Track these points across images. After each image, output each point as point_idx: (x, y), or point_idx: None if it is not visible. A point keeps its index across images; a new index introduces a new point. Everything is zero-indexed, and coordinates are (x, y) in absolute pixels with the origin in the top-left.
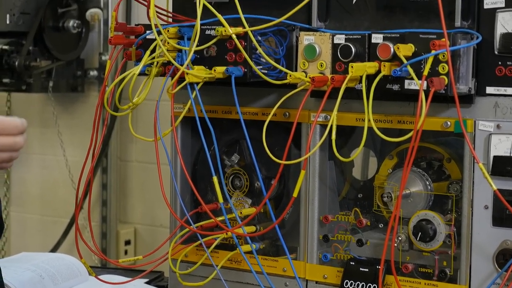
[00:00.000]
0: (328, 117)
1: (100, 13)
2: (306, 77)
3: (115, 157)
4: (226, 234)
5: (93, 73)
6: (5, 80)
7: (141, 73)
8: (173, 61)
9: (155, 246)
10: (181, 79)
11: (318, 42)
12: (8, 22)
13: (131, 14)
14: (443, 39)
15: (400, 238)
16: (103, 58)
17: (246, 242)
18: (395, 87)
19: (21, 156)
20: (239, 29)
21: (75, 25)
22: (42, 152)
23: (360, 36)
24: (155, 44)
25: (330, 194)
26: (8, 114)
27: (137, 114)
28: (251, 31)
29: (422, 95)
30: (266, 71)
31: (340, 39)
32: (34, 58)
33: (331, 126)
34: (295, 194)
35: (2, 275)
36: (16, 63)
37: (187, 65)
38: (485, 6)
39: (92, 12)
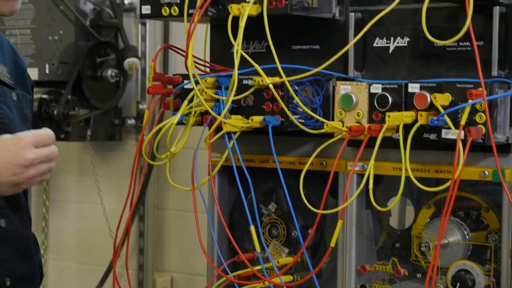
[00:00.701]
0: (365, 166)
1: (138, 63)
2: (343, 126)
3: (152, 205)
4: (264, 283)
5: (131, 121)
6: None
7: (179, 123)
8: (210, 111)
9: None
10: (219, 128)
11: (355, 92)
12: (47, 71)
13: (168, 64)
14: (480, 89)
15: None
16: (141, 106)
17: None
18: (432, 136)
19: (59, 204)
20: (276, 79)
21: (113, 74)
22: (79, 200)
23: (396, 86)
24: (192, 93)
25: (367, 244)
26: None
27: (174, 162)
28: (288, 81)
29: (460, 145)
30: (303, 121)
31: (376, 88)
32: (73, 107)
33: (368, 175)
34: (332, 244)
35: None
36: (55, 112)
37: (225, 114)
38: None
39: (130, 61)
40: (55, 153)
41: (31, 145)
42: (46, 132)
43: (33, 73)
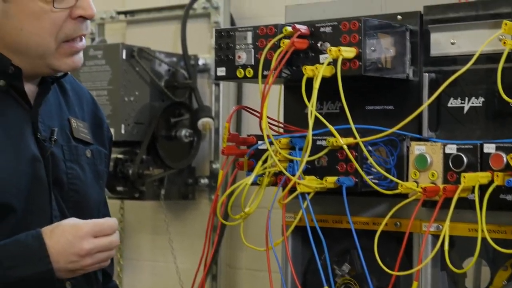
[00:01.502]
0: (440, 227)
1: (212, 122)
2: (417, 187)
3: (225, 264)
4: None
5: (204, 181)
6: (119, 188)
7: (253, 183)
8: (285, 172)
9: None
10: (293, 189)
11: (429, 152)
12: (123, 132)
13: (241, 124)
14: None
15: None
16: (214, 166)
17: None
18: (509, 197)
19: (133, 263)
20: (350, 140)
21: (187, 134)
22: (153, 259)
23: (471, 146)
24: (267, 154)
25: None
26: (121, 222)
27: (247, 222)
28: (362, 141)
29: None
30: (377, 181)
31: (451, 149)
32: (147, 167)
33: (444, 236)
34: None
35: None
36: (130, 172)
37: (299, 175)
38: None
39: (203, 121)
40: (115, 243)
41: (90, 235)
42: (107, 222)
43: None
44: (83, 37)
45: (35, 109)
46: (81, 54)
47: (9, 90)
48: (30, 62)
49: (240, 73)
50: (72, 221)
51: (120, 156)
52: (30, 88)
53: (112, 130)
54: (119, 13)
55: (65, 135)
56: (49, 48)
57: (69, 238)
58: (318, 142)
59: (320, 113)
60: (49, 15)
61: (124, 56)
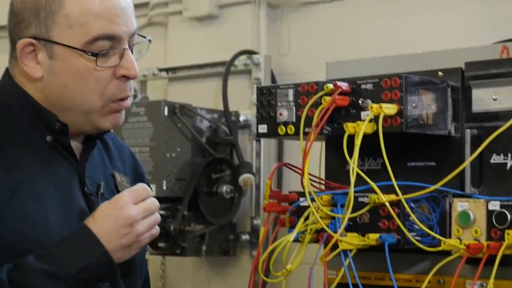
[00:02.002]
0: (484, 284)
1: (253, 179)
2: (460, 244)
3: None
4: None
5: (245, 237)
6: (161, 244)
7: (295, 240)
8: (326, 229)
9: None
10: (335, 246)
11: (472, 209)
12: (165, 188)
13: (282, 180)
14: None
15: None
16: (255, 222)
17: None
18: None
19: None
20: (392, 197)
21: (228, 190)
22: None
23: None
24: (308, 211)
25: None
26: (162, 278)
27: (289, 278)
28: (404, 198)
29: None
30: (419, 238)
31: (494, 205)
32: (189, 223)
33: None
34: None
35: None
36: (172, 228)
37: (341, 232)
38: None
39: (245, 177)
40: (156, 204)
41: (130, 202)
42: (140, 186)
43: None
44: (128, 96)
45: (82, 164)
46: (123, 112)
47: (56, 146)
48: (74, 119)
49: (281, 130)
50: (106, 201)
51: (161, 212)
52: (76, 144)
53: (153, 186)
54: (161, 70)
55: (110, 189)
56: (94, 106)
57: (112, 213)
58: (360, 199)
59: (362, 170)
60: (93, 73)
61: (166, 113)
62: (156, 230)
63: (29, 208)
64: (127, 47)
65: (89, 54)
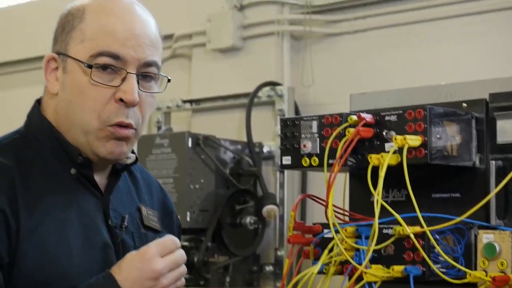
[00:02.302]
0: None
1: (276, 210)
2: (486, 276)
3: None
4: None
5: (269, 268)
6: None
7: (319, 272)
8: (351, 260)
9: None
10: (359, 277)
11: (498, 241)
12: (188, 219)
13: (306, 212)
14: None
15: None
16: (279, 253)
17: None
18: None
19: None
20: (417, 228)
21: (252, 221)
22: None
23: None
24: (333, 243)
25: None
26: None
27: None
28: (429, 230)
29: None
30: (444, 270)
31: None
32: (212, 254)
33: None
34: None
35: None
36: (195, 259)
37: (366, 264)
38: None
39: (268, 208)
40: (183, 257)
41: (157, 255)
42: (169, 239)
43: None
44: (129, 126)
45: (106, 197)
46: (123, 145)
47: (80, 178)
48: (77, 140)
49: (305, 162)
50: (135, 250)
51: (185, 243)
52: (101, 177)
53: None
54: (185, 101)
55: (135, 223)
56: (92, 126)
57: (138, 265)
58: (385, 231)
59: (386, 201)
60: (91, 90)
61: (190, 144)
62: (182, 282)
63: (52, 240)
64: (133, 72)
65: (85, 65)
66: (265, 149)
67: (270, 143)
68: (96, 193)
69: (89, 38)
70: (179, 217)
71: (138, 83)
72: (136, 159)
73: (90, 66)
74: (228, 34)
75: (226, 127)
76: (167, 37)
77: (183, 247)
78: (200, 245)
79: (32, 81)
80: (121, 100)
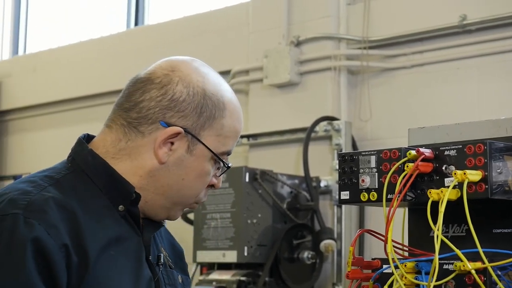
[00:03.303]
0: None
1: (334, 244)
2: None
3: None
4: None
5: None
6: None
7: None
8: None
9: None
10: None
11: None
12: (246, 254)
13: (364, 246)
14: None
15: None
16: None
17: None
18: None
19: None
20: (478, 264)
21: (309, 256)
22: None
23: None
24: (392, 278)
25: None
26: None
27: None
28: (491, 266)
29: None
30: None
31: None
32: None
33: None
34: None
35: None
36: None
37: None
38: None
39: (326, 243)
40: None
41: None
42: None
43: (232, 256)
44: None
45: (148, 234)
46: None
47: (126, 216)
48: (160, 203)
49: (364, 196)
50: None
51: (243, 278)
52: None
53: (234, 253)
54: (242, 136)
55: (164, 261)
56: (188, 201)
57: None
58: (445, 266)
59: (446, 236)
60: (209, 178)
61: (247, 179)
62: None
63: (107, 276)
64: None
65: (218, 159)
66: (322, 184)
67: (327, 177)
68: (137, 230)
69: (225, 135)
70: (235, 251)
71: None
72: None
73: (227, 166)
74: (285, 70)
75: (283, 161)
76: (224, 73)
77: (240, 282)
78: (258, 280)
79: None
80: (211, 185)
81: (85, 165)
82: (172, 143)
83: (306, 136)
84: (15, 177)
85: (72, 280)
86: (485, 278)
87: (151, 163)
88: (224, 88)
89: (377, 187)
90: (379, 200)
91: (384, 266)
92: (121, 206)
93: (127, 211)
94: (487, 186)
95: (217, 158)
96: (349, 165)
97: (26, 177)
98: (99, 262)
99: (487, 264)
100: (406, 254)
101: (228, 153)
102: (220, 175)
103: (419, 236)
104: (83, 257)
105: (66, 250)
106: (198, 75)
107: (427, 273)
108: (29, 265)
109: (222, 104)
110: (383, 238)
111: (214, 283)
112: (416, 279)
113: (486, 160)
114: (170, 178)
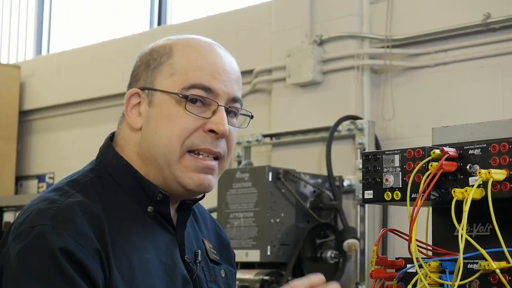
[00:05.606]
0: None
1: (357, 244)
2: None
3: None
4: None
5: None
6: None
7: None
8: None
9: None
10: None
11: None
12: (269, 253)
13: (387, 246)
14: None
15: None
16: (360, 287)
17: None
18: None
19: None
20: (503, 264)
21: (332, 255)
22: None
23: None
24: (416, 278)
25: None
26: None
27: None
28: None
29: None
30: None
31: None
32: None
33: None
34: None
35: None
36: None
37: None
38: None
39: (349, 242)
40: None
41: None
42: (316, 277)
43: (255, 255)
44: (213, 156)
45: (181, 233)
46: (210, 177)
47: (157, 216)
48: (161, 175)
49: (387, 196)
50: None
51: (266, 277)
52: (172, 213)
53: (257, 252)
54: (265, 136)
55: (203, 257)
56: (173, 155)
57: None
58: (469, 266)
59: (470, 236)
60: (181, 119)
61: (270, 178)
62: None
63: (140, 282)
64: (223, 104)
65: (180, 96)
66: (345, 183)
67: (351, 176)
68: (170, 229)
69: (180, 72)
70: (258, 251)
71: None
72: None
73: (185, 97)
74: (308, 69)
75: (306, 161)
76: (247, 73)
77: (263, 281)
78: (281, 279)
79: (105, 118)
80: (211, 131)
81: (110, 169)
82: (139, 110)
83: (329, 135)
84: (38, 177)
85: (107, 285)
86: (510, 278)
87: (133, 136)
88: (183, 37)
89: (401, 186)
90: (403, 200)
91: (408, 266)
92: (150, 207)
93: (156, 211)
94: (511, 185)
95: (178, 95)
96: (372, 164)
97: (55, 184)
98: (131, 265)
99: (511, 263)
100: (430, 253)
101: (197, 87)
102: (214, 117)
103: (443, 235)
104: (116, 261)
105: (99, 255)
106: (166, 40)
107: (451, 273)
108: (69, 273)
109: (169, 47)
110: (407, 238)
111: (237, 282)
112: (440, 278)
113: (510, 159)
114: (147, 139)
